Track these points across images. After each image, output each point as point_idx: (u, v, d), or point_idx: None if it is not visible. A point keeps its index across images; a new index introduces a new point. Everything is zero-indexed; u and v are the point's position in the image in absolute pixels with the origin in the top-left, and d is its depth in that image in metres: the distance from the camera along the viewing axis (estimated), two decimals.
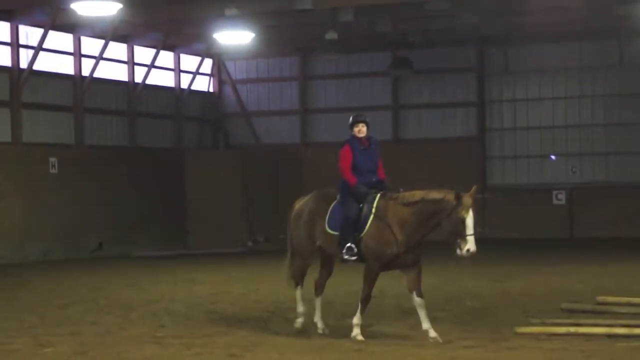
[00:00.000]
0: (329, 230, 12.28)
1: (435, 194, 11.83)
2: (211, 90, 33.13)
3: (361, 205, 12.02)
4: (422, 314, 11.80)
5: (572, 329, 12.11)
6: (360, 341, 11.68)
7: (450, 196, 11.65)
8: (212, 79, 33.09)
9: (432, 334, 11.63)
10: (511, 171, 29.90)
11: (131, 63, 29.74)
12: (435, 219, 11.71)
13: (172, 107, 31.25)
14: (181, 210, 30.26)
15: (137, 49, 29.92)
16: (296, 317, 12.79)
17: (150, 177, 29.47)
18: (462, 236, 11.58)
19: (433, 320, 13.31)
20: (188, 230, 30.20)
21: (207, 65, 32.75)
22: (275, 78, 32.05)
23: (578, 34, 28.20)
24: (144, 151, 29.79)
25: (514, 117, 29.88)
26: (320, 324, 12.49)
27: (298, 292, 12.93)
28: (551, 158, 29.44)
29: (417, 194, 11.91)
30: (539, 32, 27.90)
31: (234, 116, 32.65)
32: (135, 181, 28.98)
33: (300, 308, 12.78)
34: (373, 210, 11.96)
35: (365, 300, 12.06)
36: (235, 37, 24.32)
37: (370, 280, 12.08)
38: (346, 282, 18.63)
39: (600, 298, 14.72)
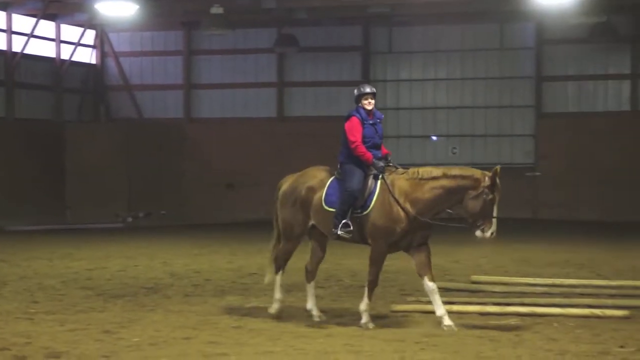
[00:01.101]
0: (326, 207, 11.63)
1: (461, 171, 11.34)
2: (93, 62, 32.59)
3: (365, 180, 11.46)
4: (435, 300, 11.28)
5: (446, 307, 12.35)
6: (371, 328, 11.07)
7: (480, 175, 11.23)
8: (94, 50, 32.54)
9: (447, 321, 11.07)
10: (393, 151, 30.12)
11: (9, 31, 29.03)
12: (457, 196, 11.21)
13: (52, 79, 30.64)
14: (60, 184, 29.75)
15: (16, 17, 29.22)
16: (273, 303, 12.03)
17: (29, 149, 28.86)
18: (489, 218, 11.20)
19: None
20: (67, 205, 29.73)
21: (90, 36, 32.19)
22: (160, 52, 31.70)
23: (461, 16, 28.64)
24: (22, 123, 29.16)
25: (397, 97, 30.21)
26: (315, 311, 11.86)
27: (278, 278, 12.11)
28: (432, 139, 29.87)
29: (435, 170, 11.37)
30: (423, 13, 28.23)
31: (117, 89, 32.21)
32: (12, 153, 28.34)
33: (279, 294, 12.01)
34: (379, 185, 11.42)
35: (372, 284, 11.48)
36: (118, 8, 23.96)
37: (378, 263, 11.49)
38: (226, 259, 18.70)
39: (475, 277, 15.08)
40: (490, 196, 11.23)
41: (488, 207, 11.23)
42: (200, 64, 31.36)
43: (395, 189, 11.35)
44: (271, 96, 30.52)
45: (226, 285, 14.85)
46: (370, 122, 11.74)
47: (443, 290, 13.93)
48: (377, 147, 11.75)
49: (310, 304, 11.95)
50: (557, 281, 14.49)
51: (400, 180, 11.43)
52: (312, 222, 11.89)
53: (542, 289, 13.96)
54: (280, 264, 12.19)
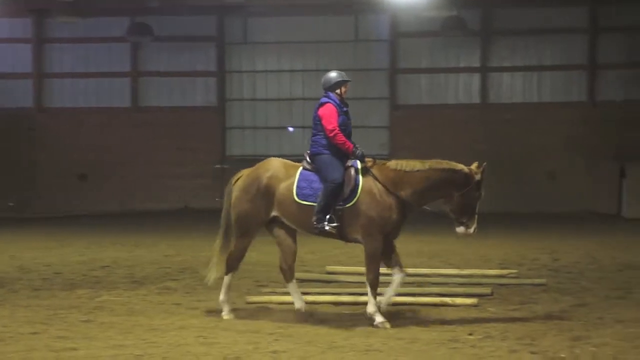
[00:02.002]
0: (299, 201, 11.09)
1: (450, 165, 11.16)
2: None
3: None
4: (392, 290, 11.14)
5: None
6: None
7: (468, 170, 11.15)
8: None
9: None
10: (250, 142, 30.20)
11: None
12: (445, 190, 11.02)
13: None
14: None
15: None
16: (222, 309, 11.33)
17: None
18: (474, 214, 11.11)
19: (165, 290, 13.37)
20: None
21: None
22: (6, 39, 30.77)
23: (316, 7, 28.81)
24: None
25: (253, 88, 30.19)
26: (303, 308, 11.39)
27: (228, 279, 11.43)
28: (289, 130, 29.98)
29: (419, 163, 11.17)
30: (278, 4, 28.29)
31: None
32: None
33: (224, 296, 11.34)
34: (360, 175, 11.01)
35: (375, 282, 11.01)
36: None
37: (376, 259, 11.05)
38: (77, 252, 18.33)
39: (329, 268, 15.23)
40: (478, 193, 11.15)
41: (475, 203, 11.18)
42: (52, 53, 30.61)
43: (382, 178, 11.03)
44: (125, 86, 30.08)
45: (76, 279, 14.56)
46: (344, 110, 11.35)
47: (298, 281, 14.08)
48: (349, 136, 11.34)
49: (299, 304, 11.41)
50: (410, 271, 14.71)
51: (385, 170, 11.15)
52: (274, 214, 11.32)
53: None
54: (233, 264, 11.52)
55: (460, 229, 11.19)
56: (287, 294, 12.70)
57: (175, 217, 26.18)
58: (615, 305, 11.77)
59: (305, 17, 29.38)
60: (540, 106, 28.10)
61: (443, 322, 10.90)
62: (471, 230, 11.16)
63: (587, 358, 9.14)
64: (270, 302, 12.26)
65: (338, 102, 11.30)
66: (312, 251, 18.23)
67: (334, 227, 10.96)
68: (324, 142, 11.19)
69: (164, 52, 29.83)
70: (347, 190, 11.00)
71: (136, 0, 27.83)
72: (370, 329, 10.61)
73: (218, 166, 29.35)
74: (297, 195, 11.14)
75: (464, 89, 28.96)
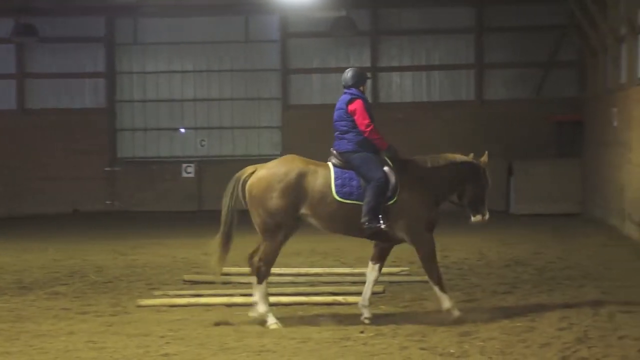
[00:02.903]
0: (340, 199, 10.79)
1: (462, 158, 11.24)
2: None
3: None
4: (367, 288, 11.15)
5: (193, 300, 12.41)
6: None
7: (476, 161, 11.30)
8: None
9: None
10: (141, 144, 29.89)
11: None
12: (463, 183, 11.20)
13: None
14: None
15: None
16: (268, 321, 10.74)
17: None
18: (485, 202, 11.29)
19: (54, 295, 13.15)
20: None
21: None
22: None
23: (206, 8, 28.67)
24: None
25: (144, 89, 29.88)
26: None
27: (263, 288, 10.89)
28: (180, 131, 29.77)
29: (440, 158, 11.21)
30: (168, 4, 28.06)
31: None
32: None
33: (265, 307, 10.81)
34: (393, 172, 10.91)
35: (440, 280, 10.98)
36: None
37: (434, 256, 11.09)
38: None
39: (223, 269, 15.19)
40: (486, 181, 11.37)
41: (485, 191, 11.36)
42: None
43: (415, 174, 11.04)
44: (11, 88, 29.47)
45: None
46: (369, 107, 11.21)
47: (191, 284, 14.01)
48: None
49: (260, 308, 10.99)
50: (303, 270, 14.80)
51: (413, 166, 11.15)
52: (301, 212, 10.89)
53: (288, 279, 14.22)
54: (267, 271, 11.02)
55: (477, 218, 11.36)
56: (179, 296, 12.67)
57: (64, 221, 25.75)
58: (503, 300, 12.01)
59: (196, 18, 29.20)
60: (429, 105, 28.48)
61: (336, 320, 10.97)
62: (486, 217, 11.37)
63: (476, 353, 9.32)
64: (162, 305, 12.16)
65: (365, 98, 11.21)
66: (205, 252, 18.09)
67: (387, 226, 10.81)
68: (358, 138, 11.02)
69: (51, 53, 29.29)
70: (391, 188, 10.90)
71: (21, 1, 27.28)
72: (261, 329, 10.62)
73: (108, 169, 28.99)
74: (338, 193, 10.86)
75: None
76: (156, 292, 13.22)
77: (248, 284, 13.75)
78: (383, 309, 11.72)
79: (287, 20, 28.73)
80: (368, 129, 10.98)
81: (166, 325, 10.91)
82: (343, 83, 11.32)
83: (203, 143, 29.56)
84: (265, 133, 29.37)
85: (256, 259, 11.17)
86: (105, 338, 10.15)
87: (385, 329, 10.43)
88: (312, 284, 13.62)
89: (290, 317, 11.24)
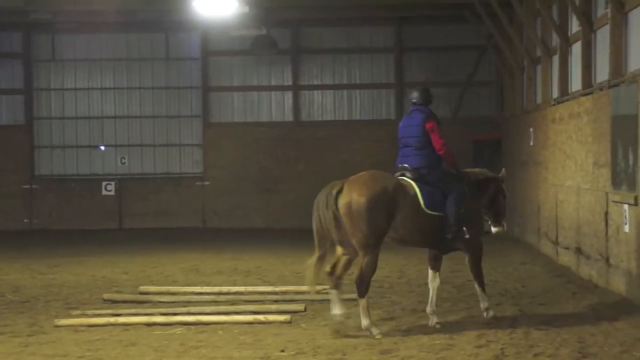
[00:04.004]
0: (429, 211, 11.37)
1: (491, 173, 12.33)
2: None
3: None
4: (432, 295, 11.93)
5: (112, 319, 12.27)
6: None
7: (498, 176, 12.41)
8: None
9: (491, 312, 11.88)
10: (60, 161, 29.55)
11: None
12: (496, 196, 12.16)
13: None
14: None
15: None
16: (372, 332, 11.03)
17: None
18: (504, 215, 12.32)
19: None
20: None
21: None
22: None
23: (126, 25, 28.51)
24: None
25: (62, 106, 29.56)
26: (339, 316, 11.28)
27: (365, 302, 11.10)
28: (100, 148, 29.52)
29: (479, 173, 12.27)
30: (86, 21, 27.81)
31: None
32: None
33: (367, 320, 11.09)
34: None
35: (483, 281, 11.99)
36: None
37: (481, 266, 12.02)
38: None
39: (143, 288, 15.07)
40: (505, 194, 12.37)
41: (505, 204, 12.40)
42: None
43: (472, 188, 11.91)
44: None
45: None
46: None
47: (110, 303, 13.88)
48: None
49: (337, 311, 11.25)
50: (224, 289, 14.77)
51: (468, 180, 11.96)
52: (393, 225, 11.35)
53: (209, 297, 14.18)
54: (368, 285, 11.20)
55: (498, 229, 12.30)
56: (97, 315, 12.55)
57: None
58: (422, 318, 12.13)
59: (116, 35, 29.02)
60: (351, 124, 28.67)
61: (256, 339, 10.97)
62: (505, 228, 12.40)
63: None
64: (81, 325, 12.03)
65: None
66: (126, 271, 18.01)
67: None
68: (434, 155, 11.68)
69: None
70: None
71: None
72: (181, 348, 10.58)
73: (26, 186, 28.63)
74: (427, 206, 11.38)
75: (276, 107, 29.23)
76: (74, 312, 13.07)
77: (168, 303, 13.74)
78: (304, 327, 11.75)
79: (207, 38, 28.72)
80: (444, 148, 11.71)
81: (84, 345, 10.80)
82: (413, 100, 12.02)
83: (123, 161, 29.34)
84: (186, 150, 29.27)
85: (339, 272, 11.47)
86: (22, 359, 10.02)
87: (306, 347, 10.47)
88: (232, 303, 13.59)
89: (212, 337, 11.21)
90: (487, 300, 11.98)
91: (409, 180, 11.54)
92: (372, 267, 11.20)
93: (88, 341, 11.05)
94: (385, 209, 11.17)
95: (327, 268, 11.44)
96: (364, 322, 11.08)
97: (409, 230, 11.39)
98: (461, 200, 11.55)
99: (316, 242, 11.48)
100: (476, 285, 11.97)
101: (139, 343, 10.88)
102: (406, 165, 11.71)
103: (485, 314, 11.87)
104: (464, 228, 11.54)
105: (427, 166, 11.62)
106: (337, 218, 11.17)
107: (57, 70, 29.31)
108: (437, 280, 11.96)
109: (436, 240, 11.61)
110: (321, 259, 11.46)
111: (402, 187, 11.40)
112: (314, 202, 11.44)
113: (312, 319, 12.31)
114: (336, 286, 11.37)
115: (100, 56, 29.12)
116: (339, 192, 11.26)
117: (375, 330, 11.06)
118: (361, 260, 11.24)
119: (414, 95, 11.95)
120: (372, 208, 11.08)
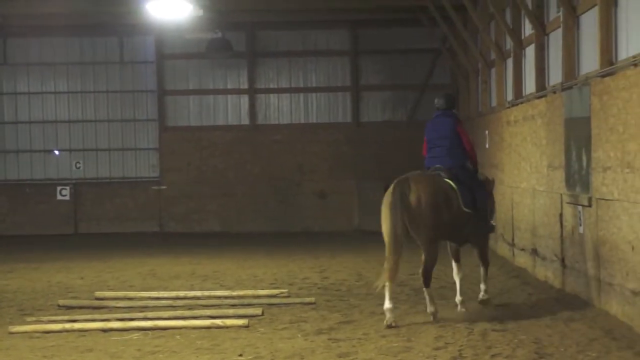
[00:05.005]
0: (465, 209, 12.38)
1: (485, 175, 14.06)
2: None
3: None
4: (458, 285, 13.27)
5: (68, 325, 12.17)
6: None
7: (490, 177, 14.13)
8: None
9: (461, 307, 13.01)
10: (13, 166, 29.29)
11: None
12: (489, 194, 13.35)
13: None
14: None
15: None
16: (436, 316, 12.27)
17: None
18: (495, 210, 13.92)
19: None
20: None
21: None
22: None
23: (79, 28, 28.29)
24: None
25: (15, 110, 29.30)
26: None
27: (431, 290, 12.38)
28: (55, 153, 29.28)
29: (481, 174, 13.69)
30: (38, 24, 27.57)
31: None
32: None
33: (433, 307, 12.30)
34: None
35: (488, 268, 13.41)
36: None
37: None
38: None
39: (99, 293, 14.97)
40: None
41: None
42: None
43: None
44: None
45: None
46: None
47: (65, 309, 13.77)
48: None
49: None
50: (182, 293, 14.71)
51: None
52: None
53: (166, 302, 14.11)
54: (431, 274, 12.29)
55: (493, 221, 13.72)
56: (53, 322, 12.42)
57: None
58: (380, 320, 12.15)
59: (69, 38, 28.80)
60: (307, 126, 28.68)
61: (213, 344, 10.94)
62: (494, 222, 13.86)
63: None
64: (35, 331, 11.92)
65: None
66: (82, 276, 17.87)
67: None
68: (464, 155, 12.88)
69: None
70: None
71: None
72: (138, 354, 10.51)
73: None
74: (464, 204, 12.37)
75: (232, 111, 29.16)
76: (29, 318, 12.94)
77: (125, 309, 13.65)
78: (261, 331, 11.73)
79: (162, 41, 28.59)
80: (472, 150, 13.00)
81: (39, 352, 10.71)
82: (437, 105, 13.15)
83: (78, 165, 29.13)
84: (142, 155, 29.12)
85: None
86: None
87: (263, 351, 10.45)
88: (190, 307, 13.54)
89: (167, 342, 11.16)
90: (486, 284, 13.31)
91: (448, 180, 12.49)
92: (435, 258, 12.27)
93: (43, 347, 10.95)
94: (444, 208, 12.21)
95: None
96: (430, 308, 12.18)
97: (444, 224, 12.29)
98: (487, 197, 12.92)
99: (391, 247, 12.02)
100: (483, 270, 13.22)
101: (95, 349, 10.81)
102: (438, 165, 12.77)
103: (482, 294, 13.27)
104: (492, 222, 13.21)
105: (458, 166, 12.75)
106: (408, 215, 12.05)
107: (9, 74, 29.03)
108: (462, 271, 13.16)
109: (462, 234, 12.74)
110: (397, 264, 12.08)
111: (450, 187, 12.40)
112: (383, 203, 12.34)
113: (269, 323, 12.30)
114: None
115: (54, 60, 28.89)
116: (409, 187, 12.16)
117: (437, 316, 12.17)
118: (425, 254, 12.23)
119: (440, 102, 13.11)
120: (436, 206, 12.14)
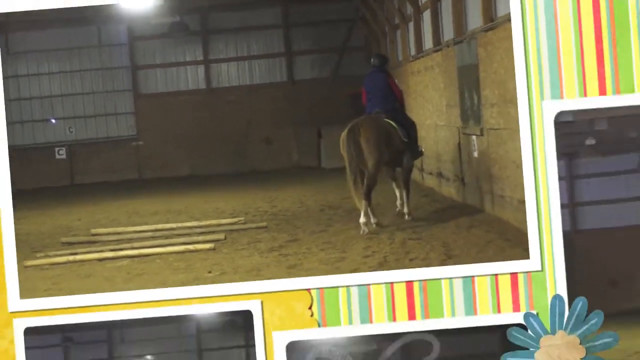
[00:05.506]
0: (404, 139, 12.80)
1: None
2: None
3: None
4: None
5: (71, 258, 12.02)
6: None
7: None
8: None
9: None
10: (19, 134, 28.56)
11: None
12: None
13: None
14: None
15: None
16: (364, 229, 12.09)
17: None
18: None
19: None
20: None
21: None
22: None
23: (66, 21, 27.46)
24: None
25: (18, 90, 28.47)
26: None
27: (367, 205, 12.61)
28: (51, 122, 28.53)
29: None
30: (34, 19, 26.73)
31: None
32: None
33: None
34: None
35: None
36: None
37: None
38: None
39: (94, 230, 14.67)
40: None
41: None
42: None
43: None
44: None
45: None
46: None
47: (67, 245, 13.43)
48: None
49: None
50: (160, 226, 14.47)
51: None
52: None
53: (148, 234, 13.89)
54: (372, 192, 12.59)
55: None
56: (58, 256, 12.12)
57: None
58: (319, 237, 11.98)
59: (57, 30, 27.77)
60: (252, 88, 28.20)
61: (187, 265, 10.72)
62: None
63: None
64: (45, 264, 11.73)
65: None
66: (79, 218, 17.41)
67: None
68: (396, 100, 13.32)
69: None
70: None
71: None
72: (127, 276, 10.25)
73: None
74: (403, 136, 13.05)
75: (192, 78, 28.56)
76: (38, 254, 12.64)
77: (115, 241, 13.37)
78: (225, 252, 11.52)
79: (133, 27, 27.81)
80: (402, 95, 13.50)
81: (49, 280, 10.76)
82: (373, 64, 13.79)
83: (71, 130, 28.42)
84: (121, 118, 28.43)
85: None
86: None
87: (227, 268, 10.36)
88: (167, 237, 13.28)
89: (150, 266, 10.91)
90: (409, 205, 13.19)
91: (387, 120, 12.93)
92: (376, 181, 12.80)
93: (52, 276, 10.81)
94: (387, 139, 12.78)
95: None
96: (362, 219, 12.29)
97: (392, 154, 12.83)
98: (415, 129, 13.26)
99: (349, 177, 12.88)
100: (405, 192, 13.27)
101: (93, 275, 10.63)
102: (377, 109, 13.22)
103: (406, 210, 13.08)
104: (420, 149, 13.37)
105: (391, 109, 13.16)
106: (359, 149, 12.74)
107: (12, 61, 28.11)
108: (398, 188, 13.25)
109: (401, 160, 13.12)
110: (357, 187, 12.71)
111: (390, 124, 12.85)
112: (340, 140, 13.30)
113: (231, 245, 12.13)
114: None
115: (47, 47, 28.00)
116: (359, 130, 12.86)
117: (365, 229, 12.07)
118: (369, 177, 12.76)
119: (375, 61, 13.81)
120: (380, 141, 12.74)
